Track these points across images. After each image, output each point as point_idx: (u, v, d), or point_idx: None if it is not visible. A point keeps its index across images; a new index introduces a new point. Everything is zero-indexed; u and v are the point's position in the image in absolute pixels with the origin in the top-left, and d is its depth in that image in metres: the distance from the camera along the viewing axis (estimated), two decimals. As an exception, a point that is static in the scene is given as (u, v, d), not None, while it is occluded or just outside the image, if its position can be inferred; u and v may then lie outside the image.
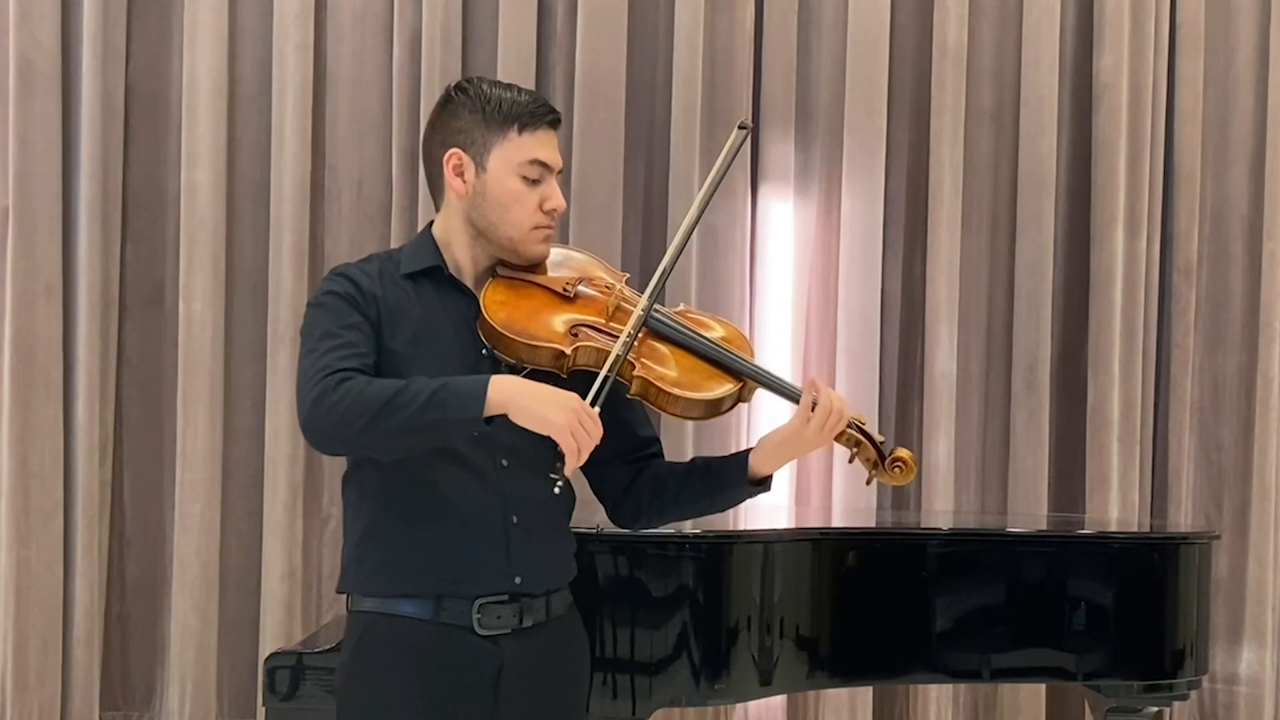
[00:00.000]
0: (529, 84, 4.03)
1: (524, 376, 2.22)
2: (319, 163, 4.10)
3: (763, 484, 2.33)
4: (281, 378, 3.98)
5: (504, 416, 2.07)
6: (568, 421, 2.05)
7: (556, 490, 2.10)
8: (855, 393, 4.25)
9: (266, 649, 3.85)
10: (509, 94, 2.25)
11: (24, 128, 3.91)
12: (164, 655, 4.08)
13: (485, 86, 2.26)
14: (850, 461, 2.31)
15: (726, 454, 2.39)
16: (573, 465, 2.07)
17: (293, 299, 3.99)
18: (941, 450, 4.28)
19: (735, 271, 4.25)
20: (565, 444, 2.05)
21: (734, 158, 2.35)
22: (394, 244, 4.03)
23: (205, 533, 4.01)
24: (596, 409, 2.09)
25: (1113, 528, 3.82)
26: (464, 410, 2.06)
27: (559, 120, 2.30)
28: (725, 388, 2.25)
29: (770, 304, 4.30)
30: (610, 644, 2.78)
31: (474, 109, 2.24)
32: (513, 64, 4.08)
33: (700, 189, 2.37)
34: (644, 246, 4.25)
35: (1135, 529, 3.76)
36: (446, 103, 2.29)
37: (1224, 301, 4.54)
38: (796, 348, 4.28)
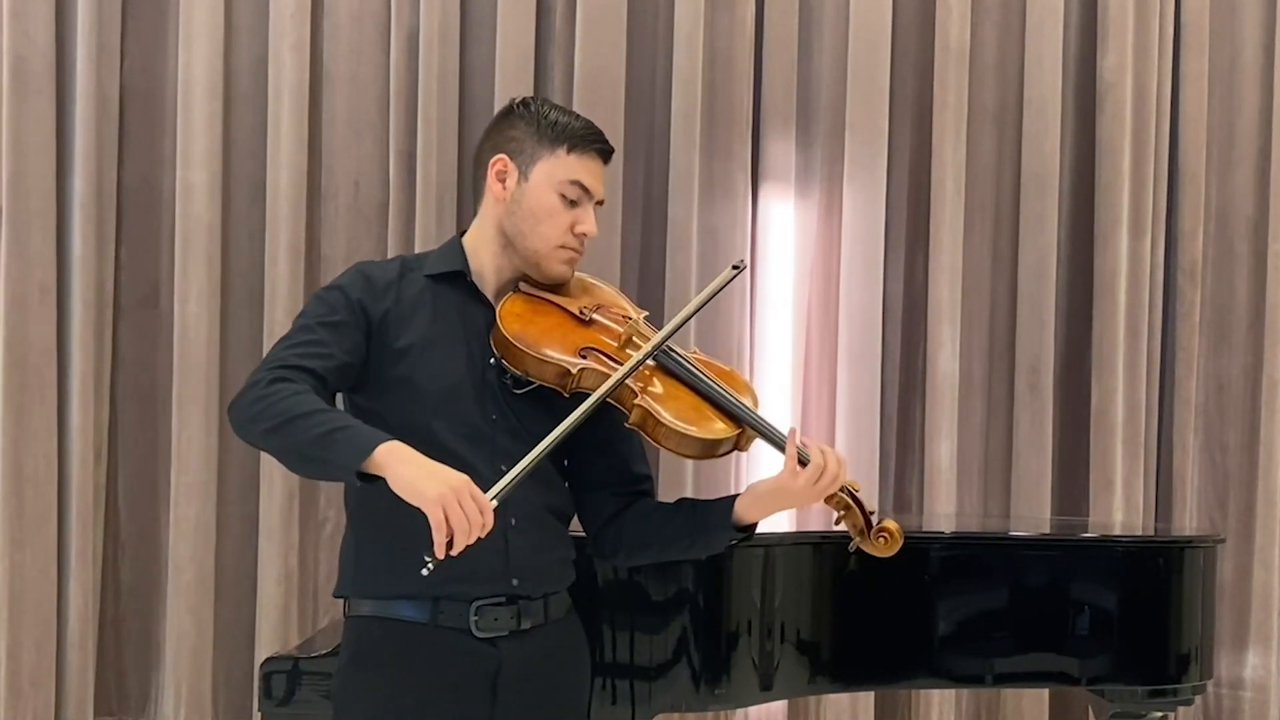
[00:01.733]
0: (528, 84, 4.02)
1: (528, 392, 2.27)
2: (315, 163, 4.07)
3: (745, 531, 2.34)
4: (278, 380, 3.94)
5: (384, 481, 2.02)
6: (440, 496, 1.97)
7: (424, 572, 2.01)
8: (857, 395, 4.23)
9: (262, 654, 3.82)
10: (566, 117, 2.33)
11: (17, 126, 3.87)
12: (159, 660, 4.05)
13: (546, 107, 2.35)
14: (836, 523, 2.33)
15: (713, 498, 2.40)
16: (440, 543, 1.98)
17: (289, 300, 3.96)
18: (944, 452, 4.26)
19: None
20: (433, 518, 1.98)
21: (721, 290, 2.39)
22: (391, 245, 4.02)
23: (200, 536, 3.98)
24: (494, 503, 2.02)
25: (1117, 531, 3.81)
26: (346, 458, 2.02)
27: (610, 153, 2.36)
28: (723, 431, 2.27)
29: (771, 305, 4.27)
30: (610, 649, 2.76)
31: (530, 122, 2.32)
32: (511, 64, 4.05)
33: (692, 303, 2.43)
34: (643, 247, 4.22)
35: (1139, 532, 3.75)
36: (507, 113, 2.37)
37: (1229, 303, 4.52)
38: (797, 349, 4.26)
